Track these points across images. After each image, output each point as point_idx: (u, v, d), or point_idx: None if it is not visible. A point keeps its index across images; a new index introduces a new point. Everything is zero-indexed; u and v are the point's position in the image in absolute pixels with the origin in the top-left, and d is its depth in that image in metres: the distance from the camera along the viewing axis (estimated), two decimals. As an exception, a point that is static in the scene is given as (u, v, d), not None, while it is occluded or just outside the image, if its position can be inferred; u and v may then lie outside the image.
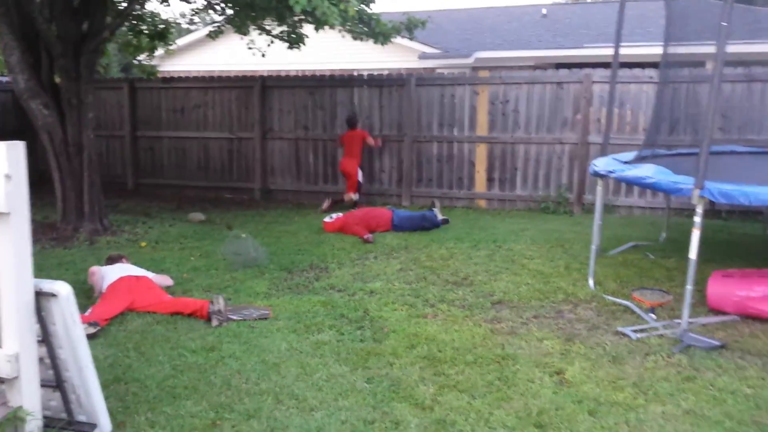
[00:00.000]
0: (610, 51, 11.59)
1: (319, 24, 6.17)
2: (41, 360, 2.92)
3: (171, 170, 11.17)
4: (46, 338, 2.91)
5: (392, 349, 4.10)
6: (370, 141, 9.41)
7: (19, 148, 2.75)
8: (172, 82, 11.30)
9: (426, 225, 7.72)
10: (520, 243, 6.92)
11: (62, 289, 2.85)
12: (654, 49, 11.50)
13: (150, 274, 5.39)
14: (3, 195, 2.67)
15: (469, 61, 14.31)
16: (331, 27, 6.18)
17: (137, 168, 11.36)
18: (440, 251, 6.67)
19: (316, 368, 3.80)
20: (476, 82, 9.31)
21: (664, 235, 6.95)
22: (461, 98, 9.37)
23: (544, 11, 17.87)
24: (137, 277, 5.18)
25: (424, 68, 14.47)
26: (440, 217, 7.91)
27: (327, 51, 14.76)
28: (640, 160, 5.52)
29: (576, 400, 3.38)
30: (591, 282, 5.30)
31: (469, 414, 3.25)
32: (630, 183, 5.04)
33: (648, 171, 4.50)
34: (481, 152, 9.33)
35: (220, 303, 4.63)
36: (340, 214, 7.92)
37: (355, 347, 4.15)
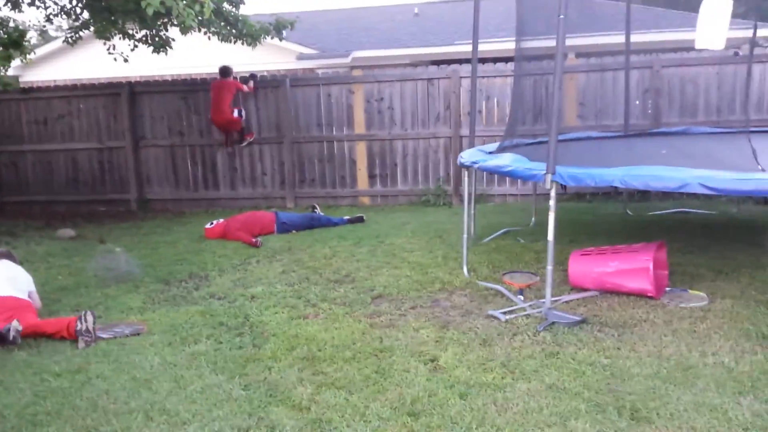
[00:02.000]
0: (480, 47, 12.08)
1: (181, 27, 6.00)
2: None
3: (37, 186, 10.48)
4: None
5: (271, 353, 4.07)
6: (245, 88, 9.35)
7: None
8: (32, 92, 10.61)
9: (314, 224, 7.74)
10: (401, 237, 7.07)
11: None
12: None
13: (28, 287, 4.94)
14: None
15: (347, 60, 14.43)
16: (190, 29, 6.03)
17: (-1, 186, 10.57)
18: (323, 251, 6.69)
19: (191, 380, 3.71)
20: (351, 81, 9.41)
21: (534, 219, 7.34)
22: (338, 97, 9.44)
23: (416, 10, 18.32)
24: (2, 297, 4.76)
25: (303, 69, 14.45)
26: (345, 217, 8.03)
27: (200, 54, 14.36)
28: (502, 150, 5.80)
29: (448, 385, 3.50)
30: (465, 270, 5.51)
31: (346, 410, 3.29)
32: (491, 172, 5.29)
33: (506, 160, 4.75)
34: (360, 150, 9.45)
35: (88, 321, 4.38)
36: (221, 220, 7.76)
37: (233, 355, 4.08)
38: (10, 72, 15.25)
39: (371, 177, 9.47)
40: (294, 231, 7.69)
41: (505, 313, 4.48)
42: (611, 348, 3.92)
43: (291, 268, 6.11)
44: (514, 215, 8.05)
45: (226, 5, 7.26)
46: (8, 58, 10.42)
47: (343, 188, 9.56)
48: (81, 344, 4.28)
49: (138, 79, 10.58)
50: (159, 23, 8.12)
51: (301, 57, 14.76)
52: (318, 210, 8.55)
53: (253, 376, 3.74)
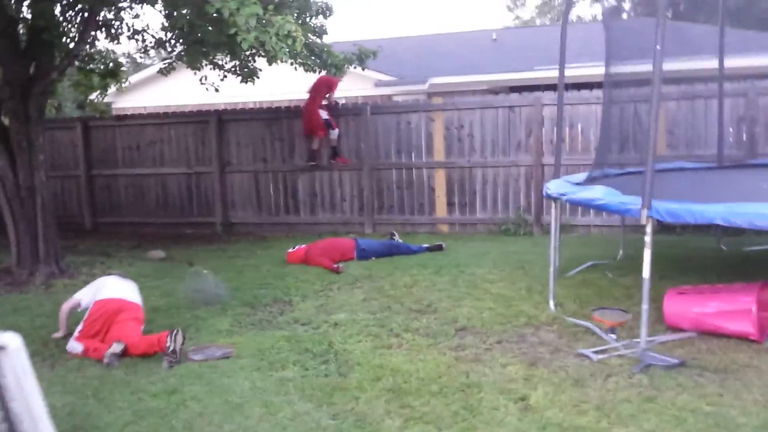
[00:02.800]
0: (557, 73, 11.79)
1: (270, 59, 6.22)
2: (-7, 416, 2.83)
3: (129, 208, 11.01)
4: (-3, 393, 2.82)
5: (357, 382, 4.08)
6: (335, 83, 9.61)
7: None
8: (126, 119, 11.21)
9: (394, 252, 7.78)
10: (483, 267, 6.99)
11: (11, 341, 2.76)
12: (599, 69, 11.92)
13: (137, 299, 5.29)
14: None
15: (424, 87, 14.51)
16: (281, 61, 6.23)
17: (94, 207, 11.16)
18: (404, 279, 6.69)
19: (281, 407, 3.76)
20: (431, 109, 9.46)
21: (621, 252, 7.11)
22: (417, 125, 9.51)
23: (494, 36, 18.30)
24: (126, 302, 5.09)
25: (381, 95, 14.62)
26: (424, 245, 8.03)
27: (284, 82, 14.79)
28: (590, 181, 5.67)
29: (540, 426, 3.41)
30: (552, 304, 5.38)
31: (436, 446, 3.25)
32: (581, 205, 5.16)
33: (597, 193, 4.63)
34: (439, 177, 9.45)
35: (177, 341, 4.54)
36: (303, 245, 7.90)
37: (320, 382, 4.12)
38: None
39: (450, 204, 9.44)
40: (373, 258, 7.73)
41: (596, 352, 4.34)
42: (713, 394, 3.72)
43: (372, 296, 6.13)
44: (599, 247, 7.82)
45: (311, 36, 7.48)
46: (105, 87, 11.07)
47: (422, 215, 9.57)
48: (165, 364, 4.43)
49: (223, 106, 11.01)
50: (249, 54, 8.43)
51: (378, 84, 14.96)
52: (397, 237, 8.58)
53: (341, 406, 3.75)
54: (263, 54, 7.14)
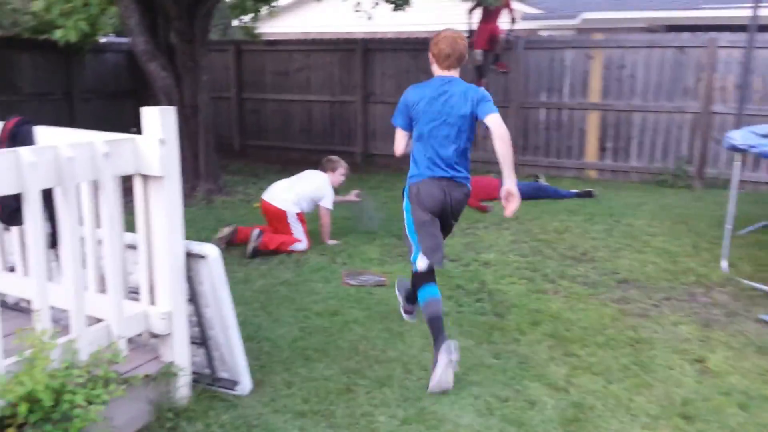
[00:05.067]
0: (732, 12, 10.71)
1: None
2: (187, 317, 3.01)
3: (275, 132, 11.36)
4: (193, 297, 3.00)
5: (515, 324, 4.00)
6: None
7: (170, 113, 2.79)
8: (276, 45, 11.41)
9: (540, 195, 7.51)
10: (640, 218, 6.59)
11: (211, 251, 2.91)
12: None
13: (302, 197, 5.74)
14: (157, 159, 2.73)
15: (575, 22, 13.64)
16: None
17: (243, 130, 11.62)
18: (553, 224, 6.45)
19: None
20: (590, 46, 8.85)
21: (800, 215, 6.43)
22: (573, 62, 8.95)
23: (657, -31, 16.71)
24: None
25: (526, 30, 13.91)
26: (573, 190, 7.72)
27: (427, 12, 14.45)
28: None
29: (722, 392, 3.17)
30: (724, 264, 4.96)
31: (607, 399, 3.12)
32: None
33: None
34: (592, 120, 8.92)
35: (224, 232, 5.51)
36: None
37: (477, 320, 4.08)
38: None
39: (602, 149, 8.92)
40: (519, 199, 7.49)
41: (782, 319, 3.97)
42: None
43: (521, 239, 5.97)
44: (770, 207, 7.12)
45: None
46: (257, 12, 11.29)
47: (569, 159, 9.14)
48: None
49: (361, 35, 10.89)
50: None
51: (525, 17, 14.22)
52: (542, 179, 8.26)
53: (502, 346, 3.69)
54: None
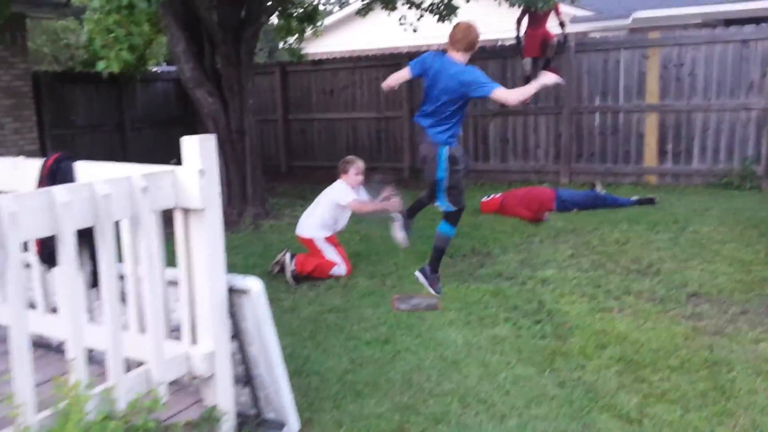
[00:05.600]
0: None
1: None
2: (231, 356, 2.90)
3: (322, 152, 11.33)
4: (237, 335, 2.88)
5: (579, 348, 3.74)
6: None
7: (210, 142, 2.69)
8: (321, 64, 11.41)
9: (597, 204, 7.19)
10: (707, 224, 6.19)
11: (254, 285, 2.79)
12: None
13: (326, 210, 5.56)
14: (197, 191, 2.63)
15: (627, 22, 13.21)
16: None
17: (290, 151, 11.64)
18: (613, 234, 6.13)
19: (499, 367, 3.54)
20: (646, 45, 8.46)
21: None
22: (627, 63, 8.58)
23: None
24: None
25: (576, 33, 13.54)
26: (633, 197, 7.38)
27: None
28: None
29: (818, 420, 2.85)
30: (806, 273, 4.57)
31: (686, 431, 2.84)
32: None
33: None
34: (651, 122, 8.51)
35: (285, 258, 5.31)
36: (497, 194, 7.57)
37: (537, 344, 3.84)
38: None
39: (661, 153, 8.50)
40: (575, 210, 7.20)
41: None
42: None
43: (580, 252, 5.68)
44: None
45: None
46: (302, 32, 11.35)
47: (627, 164, 8.75)
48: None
49: (404, 50, 10.78)
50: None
51: (574, 20, 13.83)
52: (599, 187, 7.92)
53: (566, 373, 3.44)
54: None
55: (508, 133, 9.60)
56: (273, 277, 5.36)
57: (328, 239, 5.45)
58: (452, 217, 4.79)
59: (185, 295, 2.73)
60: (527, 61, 8.94)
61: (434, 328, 4.14)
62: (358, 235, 6.72)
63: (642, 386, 3.26)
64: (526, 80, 8.96)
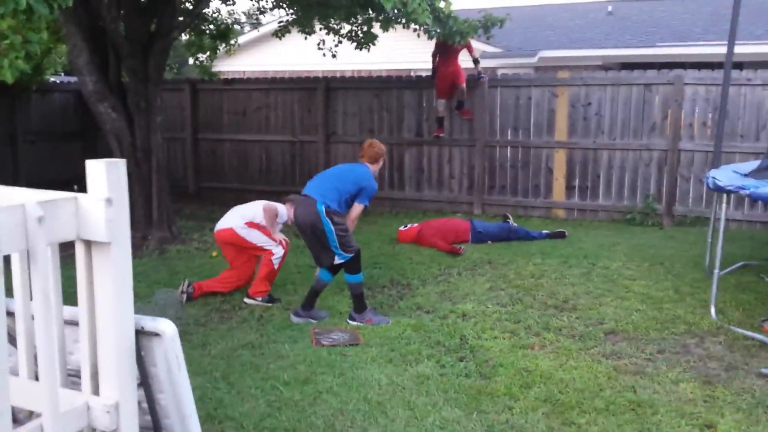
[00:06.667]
0: (685, 50, 10.90)
1: (409, 20, 5.75)
2: (138, 404, 2.58)
3: (232, 174, 10.91)
4: (144, 381, 2.57)
5: (505, 387, 3.66)
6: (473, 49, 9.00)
7: (120, 167, 2.38)
8: (234, 83, 11.06)
9: (511, 236, 7.29)
10: (615, 260, 6.37)
11: (167, 328, 2.48)
12: (749, 48, 10.77)
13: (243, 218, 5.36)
14: (103, 222, 2.30)
15: (533, 60, 13.71)
16: (420, 25, 5.77)
17: (198, 171, 11.13)
18: (528, 268, 6.18)
19: (426, 410, 3.39)
20: (555, 84, 8.77)
21: (775, 253, 6.33)
22: (538, 100, 8.84)
23: (609, 8, 17.09)
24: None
25: (485, 68, 13.92)
26: (544, 231, 7.51)
27: (381, 51, 14.33)
28: (763, 171, 4.94)
29: (741, 463, 2.89)
30: (713, 311, 4.74)
31: (618, 478, 2.79)
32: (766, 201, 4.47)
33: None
34: (560, 158, 8.79)
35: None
36: (415, 224, 7.52)
37: (462, 384, 3.73)
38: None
39: (569, 188, 8.77)
40: (489, 242, 7.26)
41: (785, 374, 3.73)
42: None
43: (498, 285, 5.67)
44: (743, 245, 7.02)
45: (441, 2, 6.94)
46: (215, 50, 10.97)
47: (536, 198, 8.97)
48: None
49: (319, 74, 10.66)
50: (367, 18, 8.00)
51: (483, 56, 14.22)
52: (511, 220, 8.05)
53: (494, 416, 3.35)
54: (401, 21, 6.71)
55: (423, 162, 9.63)
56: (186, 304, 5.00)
57: (248, 223, 5.23)
58: (352, 265, 4.81)
59: (86, 338, 2.39)
60: (441, 103, 9.06)
61: (356, 366, 3.94)
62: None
63: (570, 430, 3.21)
64: (440, 121, 9.11)
